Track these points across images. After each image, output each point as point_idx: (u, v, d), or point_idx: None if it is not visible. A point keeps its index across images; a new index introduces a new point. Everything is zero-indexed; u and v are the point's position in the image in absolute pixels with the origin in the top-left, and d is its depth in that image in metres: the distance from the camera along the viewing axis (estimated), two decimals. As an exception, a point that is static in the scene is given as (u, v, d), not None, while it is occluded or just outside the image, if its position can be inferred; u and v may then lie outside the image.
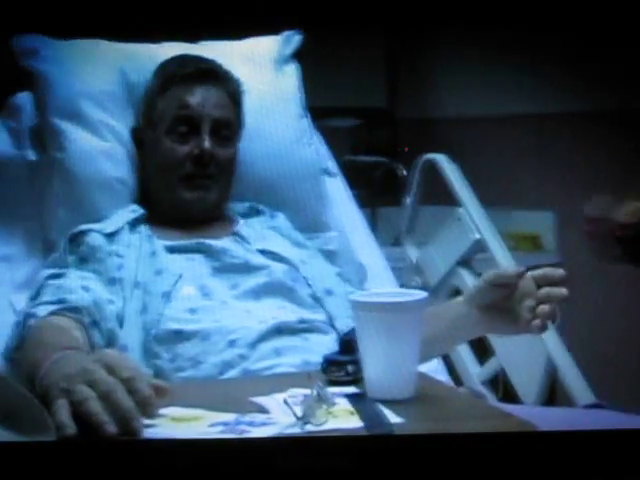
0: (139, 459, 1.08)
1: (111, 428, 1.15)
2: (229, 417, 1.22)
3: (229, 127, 1.84)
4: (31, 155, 1.92)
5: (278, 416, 1.24)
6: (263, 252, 1.79)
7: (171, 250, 1.75)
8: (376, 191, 3.10)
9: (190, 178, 1.81)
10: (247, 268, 1.74)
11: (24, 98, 1.96)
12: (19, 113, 1.96)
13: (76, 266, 1.71)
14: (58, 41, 1.94)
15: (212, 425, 1.19)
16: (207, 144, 1.79)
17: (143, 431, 1.17)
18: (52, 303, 1.61)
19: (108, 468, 1.08)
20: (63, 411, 1.18)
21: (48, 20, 1.75)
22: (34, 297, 1.67)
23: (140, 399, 1.20)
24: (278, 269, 1.76)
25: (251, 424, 1.20)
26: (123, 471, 1.08)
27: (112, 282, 1.67)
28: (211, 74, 1.86)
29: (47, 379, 1.27)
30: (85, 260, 1.72)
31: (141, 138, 1.89)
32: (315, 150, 2.06)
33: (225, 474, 1.09)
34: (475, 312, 1.57)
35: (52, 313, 1.59)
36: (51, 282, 1.67)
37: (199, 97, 1.82)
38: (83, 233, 1.75)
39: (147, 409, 1.21)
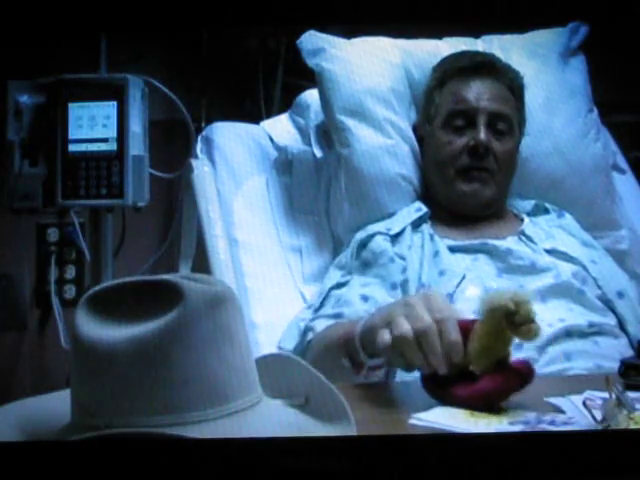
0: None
1: (428, 369, 1.22)
2: (529, 415, 1.18)
3: (506, 120, 1.79)
4: (318, 151, 1.96)
5: (577, 418, 1.18)
6: (550, 252, 1.74)
7: (454, 250, 1.73)
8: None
9: (466, 171, 1.78)
10: (533, 269, 1.69)
11: (311, 96, 2.01)
12: (306, 110, 2.02)
13: (360, 271, 1.72)
14: (342, 39, 1.96)
15: (512, 423, 1.15)
16: (483, 136, 1.75)
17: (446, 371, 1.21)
18: (330, 317, 1.64)
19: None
20: (385, 336, 1.23)
21: (328, 18, 1.76)
22: (317, 308, 1.70)
23: (447, 342, 1.21)
24: (566, 270, 1.69)
25: (552, 423, 1.15)
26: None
27: (394, 287, 1.67)
28: (487, 67, 1.83)
29: (371, 321, 1.34)
30: (368, 265, 1.72)
31: (421, 134, 1.88)
32: (603, 145, 1.98)
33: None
34: None
35: (328, 327, 1.61)
36: (333, 293, 1.70)
37: (475, 91, 1.79)
38: (368, 237, 1.76)
39: (452, 353, 1.21)
